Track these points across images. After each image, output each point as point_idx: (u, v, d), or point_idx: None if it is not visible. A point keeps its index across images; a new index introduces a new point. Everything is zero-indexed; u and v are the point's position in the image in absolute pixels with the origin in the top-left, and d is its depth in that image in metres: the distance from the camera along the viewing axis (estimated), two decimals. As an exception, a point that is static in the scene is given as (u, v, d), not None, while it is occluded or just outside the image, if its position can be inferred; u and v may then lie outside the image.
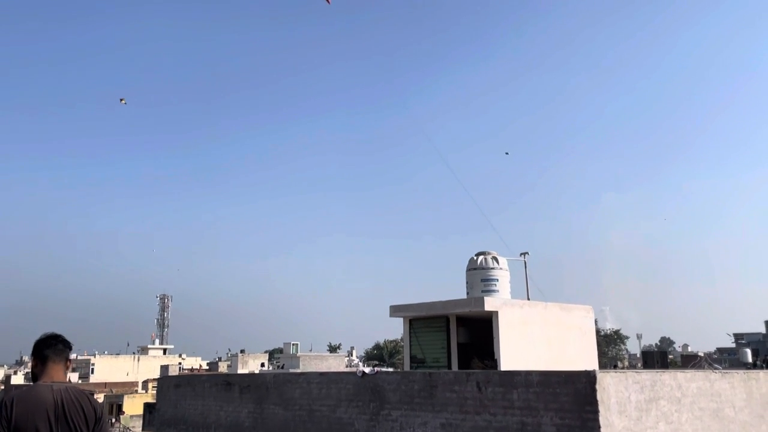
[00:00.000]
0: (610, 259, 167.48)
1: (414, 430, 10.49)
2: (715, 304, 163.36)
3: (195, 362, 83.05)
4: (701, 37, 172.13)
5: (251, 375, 16.95)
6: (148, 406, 18.46)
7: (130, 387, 65.42)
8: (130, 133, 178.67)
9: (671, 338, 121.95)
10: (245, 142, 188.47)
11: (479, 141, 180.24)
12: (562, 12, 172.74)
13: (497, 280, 15.83)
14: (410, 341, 15.53)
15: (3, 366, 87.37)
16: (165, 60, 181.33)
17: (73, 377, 73.69)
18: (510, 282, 16.32)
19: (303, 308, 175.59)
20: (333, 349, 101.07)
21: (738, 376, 10.76)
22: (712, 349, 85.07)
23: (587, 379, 8.44)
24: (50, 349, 4.30)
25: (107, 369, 77.72)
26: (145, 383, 62.48)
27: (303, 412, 12.58)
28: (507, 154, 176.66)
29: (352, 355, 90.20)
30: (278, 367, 53.67)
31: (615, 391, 8.48)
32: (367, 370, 11.99)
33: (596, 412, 8.24)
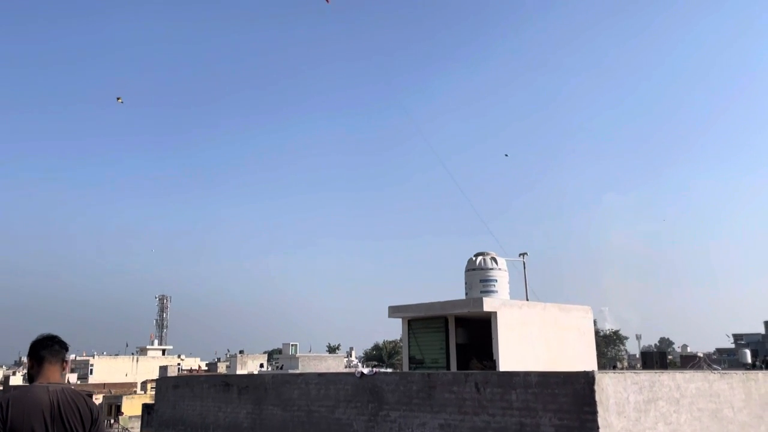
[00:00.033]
0: (610, 259, 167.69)
1: (412, 431, 10.47)
2: (714, 305, 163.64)
3: (194, 363, 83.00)
4: (702, 39, 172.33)
5: (250, 376, 16.93)
6: (146, 407, 18.42)
7: (128, 388, 65.37)
8: (129, 134, 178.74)
9: (670, 339, 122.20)
10: (245, 142, 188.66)
11: (479, 141, 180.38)
12: (562, 12, 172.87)
13: (496, 280, 15.81)
14: (409, 342, 15.52)
15: (2, 367, 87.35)
16: (165, 60, 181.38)
17: (72, 378, 73.65)
18: (509, 283, 16.30)
19: (302, 309, 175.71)
20: (332, 349, 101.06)
21: (737, 376, 10.75)
22: (712, 349, 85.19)
23: (586, 380, 8.43)
24: (46, 350, 4.28)
25: (106, 370, 77.67)
26: (143, 384, 62.46)
27: (301, 412, 12.56)
28: (507, 155, 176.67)
29: (351, 356, 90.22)
30: (277, 367, 53.63)
31: (614, 392, 8.47)
32: (365, 370, 11.97)
33: (595, 412, 8.23)
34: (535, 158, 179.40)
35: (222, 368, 73.89)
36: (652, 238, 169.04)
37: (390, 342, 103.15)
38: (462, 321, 14.83)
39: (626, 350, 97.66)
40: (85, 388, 61.88)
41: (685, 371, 11.22)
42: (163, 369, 58.77)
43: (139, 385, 65.46)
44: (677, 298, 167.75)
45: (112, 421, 50.89)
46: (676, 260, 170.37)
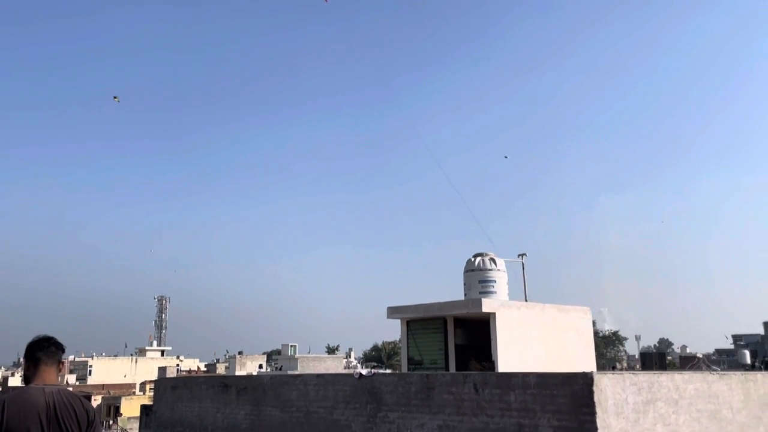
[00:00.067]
0: (609, 260, 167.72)
1: (411, 432, 10.46)
2: (713, 306, 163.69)
3: (193, 364, 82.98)
4: (699, 37, 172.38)
5: (248, 377, 16.92)
6: (144, 408, 18.39)
7: (127, 389, 65.35)
8: (128, 136, 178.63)
9: (670, 339, 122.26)
10: (244, 143, 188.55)
11: (478, 142, 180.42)
12: (560, 12, 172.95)
13: (495, 281, 15.80)
14: (408, 343, 15.50)
15: (0, 368, 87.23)
16: (164, 62, 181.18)
17: (71, 379, 73.60)
18: (508, 283, 16.29)
19: (301, 310, 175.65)
20: (331, 350, 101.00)
21: (736, 377, 10.74)
22: (711, 350, 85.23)
23: (584, 381, 8.42)
24: (42, 351, 4.28)
25: (105, 371, 77.63)
26: (142, 385, 62.46)
27: (300, 413, 12.55)
28: (506, 157, 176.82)
29: (350, 357, 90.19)
30: (276, 368, 53.60)
31: (612, 393, 8.46)
32: (364, 371, 11.96)
33: (593, 413, 8.22)
34: (533, 159, 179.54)
35: (221, 369, 73.84)
36: (652, 239, 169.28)
37: (389, 343, 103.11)
38: (461, 322, 14.82)
39: (625, 351, 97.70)
40: (83, 389, 61.86)
41: (683, 372, 11.21)
42: (162, 370, 58.74)
43: (138, 386, 65.48)
44: (677, 298, 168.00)
45: (111, 422, 50.87)
46: (675, 261, 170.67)
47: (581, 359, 15.01)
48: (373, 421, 11.10)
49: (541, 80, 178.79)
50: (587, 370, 9.19)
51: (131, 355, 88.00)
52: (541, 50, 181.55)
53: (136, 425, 38.10)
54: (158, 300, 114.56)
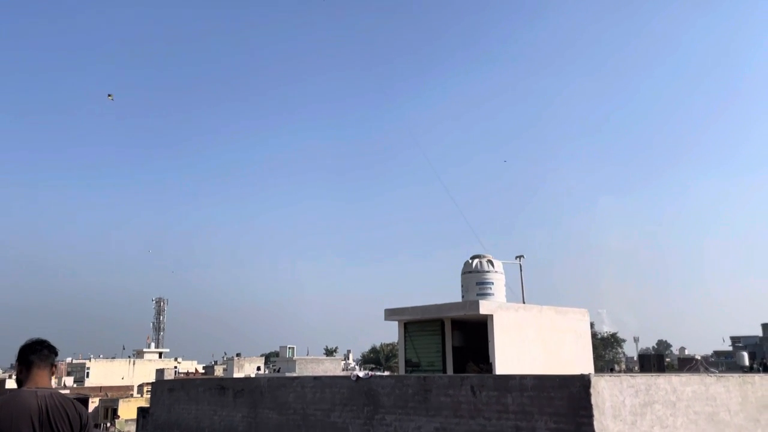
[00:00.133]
0: (608, 261, 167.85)
1: (408, 435, 10.43)
2: (712, 308, 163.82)
3: (191, 366, 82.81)
4: (699, 41, 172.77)
5: (245, 379, 16.88)
6: (141, 411, 18.33)
7: (125, 391, 65.18)
8: (127, 137, 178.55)
9: (668, 341, 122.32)
10: (243, 148, 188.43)
11: (477, 145, 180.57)
12: (560, 18, 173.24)
13: (492, 283, 15.78)
14: (405, 345, 15.48)
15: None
16: (164, 64, 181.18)
17: (69, 381, 73.49)
18: (505, 285, 16.28)
19: (300, 312, 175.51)
20: (329, 352, 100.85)
21: (733, 379, 10.73)
22: (710, 352, 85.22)
23: (581, 383, 8.40)
24: (35, 354, 4.26)
25: (102, 373, 77.47)
26: (140, 387, 62.34)
27: (297, 416, 12.51)
28: (505, 161, 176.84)
29: (348, 359, 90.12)
30: (274, 370, 53.58)
31: (609, 395, 8.44)
32: (361, 374, 11.94)
33: (591, 416, 8.20)
34: (532, 161, 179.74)
35: (219, 371, 73.74)
36: (650, 241, 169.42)
37: (387, 345, 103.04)
38: (458, 324, 14.80)
39: (624, 353, 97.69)
40: (81, 391, 61.74)
41: (681, 374, 11.20)
42: (160, 372, 58.62)
43: (135, 389, 65.34)
44: (675, 300, 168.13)
45: (108, 424, 50.79)
46: (674, 262, 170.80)
47: (579, 361, 14.99)
48: (371, 424, 11.07)
49: (542, 84, 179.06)
50: (585, 372, 9.17)
51: (129, 357, 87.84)
52: (540, 54, 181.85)
53: (133, 428, 38.00)
54: (156, 302, 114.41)
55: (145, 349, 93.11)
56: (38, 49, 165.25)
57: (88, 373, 78.41)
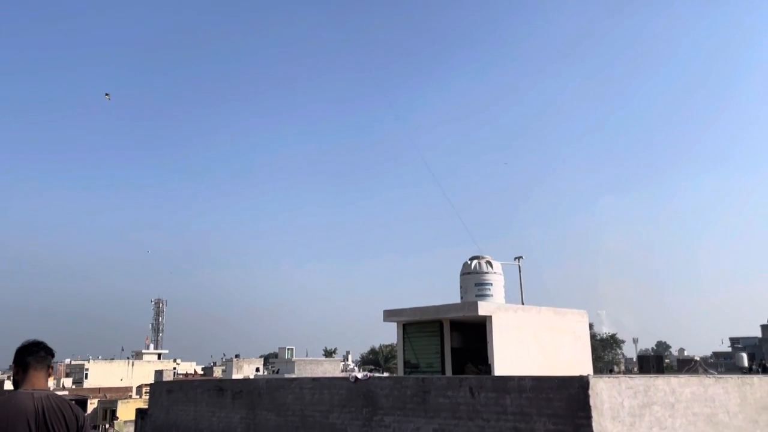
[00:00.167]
0: (607, 262, 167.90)
1: (407, 436, 10.41)
2: (712, 309, 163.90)
3: (190, 367, 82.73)
4: (697, 44, 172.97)
5: (244, 380, 16.87)
6: (140, 412, 18.31)
7: (124, 392, 65.12)
8: (126, 138, 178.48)
9: (667, 342, 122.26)
10: (242, 150, 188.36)
11: (478, 145, 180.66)
12: (559, 19, 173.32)
13: (491, 284, 15.78)
14: (404, 346, 15.46)
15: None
16: (164, 65, 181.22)
17: (67, 382, 73.39)
18: (504, 286, 16.27)
19: (299, 313, 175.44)
20: (328, 353, 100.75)
21: (732, 380, 10.72)
22: (709, 353, 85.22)
23: (580, 385, 8.39)
24: (32, 356, 4.24)
25: (101, 374, 77.37)
26: (139, 388, 62.25)
27: (296, 417, 12.50)
28: (506, 164, 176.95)
29: (347, 360, 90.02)
30: (273, 372, 53.52)
31: (608, 397, 8.43)
32: (359, 375, 11.93)
33: (589, 417, 8.19)
34: (531, 162, 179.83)
35: (218, 372, 73.69)
36: (649, 242, 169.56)
37: (387, 346, 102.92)
38: (457, 325, 14.79)
39: (623, 354, 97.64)
40: (80, 393, 61.68)
41: (679, 375, 11.19)
42: (159, 373, 58.59)
43: (134, 390, 65.26)
44: (674, 301, 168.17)
45: (107, 425, 50.72)
46: (673, 264, 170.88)
47: (578, 362, 14.98)
48: (369, 425, 11.06)
49: (541, 86, 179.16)
50: (583, 373, 9.17)
51: (128, 358, 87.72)
52: (540, 56, 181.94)
53: (131, 429, 37.99)
54: (155, 303, 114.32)
55: (143, 351, 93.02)
56: (38, 49, 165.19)
57: (86, 374, 78.30)
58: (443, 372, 14.25)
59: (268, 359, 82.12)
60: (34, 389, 4.12)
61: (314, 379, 12.88)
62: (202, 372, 78.92)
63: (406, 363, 15.31)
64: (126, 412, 47.78)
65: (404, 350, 15.43)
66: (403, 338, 15.42)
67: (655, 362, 37.00)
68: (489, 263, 16.09)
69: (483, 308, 13.85)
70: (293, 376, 34.22)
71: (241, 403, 13.90)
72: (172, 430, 15.82)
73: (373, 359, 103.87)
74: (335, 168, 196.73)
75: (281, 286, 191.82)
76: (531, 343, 14.43)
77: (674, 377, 10.10)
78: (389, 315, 15.58)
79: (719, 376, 11.35)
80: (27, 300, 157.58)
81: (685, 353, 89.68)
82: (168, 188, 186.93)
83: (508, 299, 16.20)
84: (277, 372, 49.67)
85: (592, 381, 8.35)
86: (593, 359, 16.86)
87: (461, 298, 16.03)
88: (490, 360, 13.66)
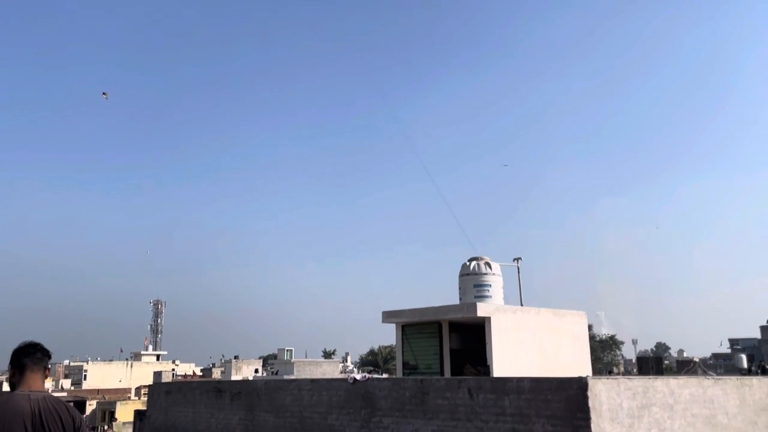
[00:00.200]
0: (607, 263, 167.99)
1: (405, 438, 10.40)
2: (711, 310, 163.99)
3: (188, 368, 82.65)
4: (697, 45, 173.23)
5: (242, 382, 16.85)
6: (138, 414, 18.29)
7: (123, 394, 65.03)
8: (125, 139, 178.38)
9: (667, 344, 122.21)
10: (240, 150, 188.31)
11: (477, 146, 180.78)
12: (557, 22, 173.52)
13: (490, 285, 15.76)
14: (403, 347, 15.44)
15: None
16: (163, 66, 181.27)
17: (66, 384, 73.31)
18: (503, 287, 16.26)
19: (298, 314, 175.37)
20: (327, 355, 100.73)
21: (731, 382, 10.72)
22: (708, 354, 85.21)
23: (579, 386, 8.38)
24: (28, 357, 4.23)
25: (100, 375, 77.25)
26: (138, 390, 62.16)
27: (294, 419, 12.48)
28: (506, 165, 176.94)
29: (346, 361, 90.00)
30: (272, 373, 53.48)
31: (607, 398, 8.43)
32: (358, 376, 11.92)
33: (588, 419, 8.18)
34: (530, 163, 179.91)
35: (217, 374, 73.59)
36: (648, 243, 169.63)
37: (386, 347, 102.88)
38: (456, 326, 14.77)
39: (622, 355, 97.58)
40: (78, 394, 61.61)
41: (678, 377, 11.18)
42: (157, 375, 58.49)
43: (133, 391, 65.16)
44: (674, 302, 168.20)
45: (106, 427, 50.66)
46: (672, 264, 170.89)
47: (577, 364, 14.97)
48: (368, 427, 11.04)
49: (540, 87, 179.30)
50: (582, 374, 9.16)
51: (127, 359, 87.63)
52: (539, 58, 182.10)
53: (130, 430, 37.95)
54: (154, 304, 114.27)
55: (142, 352, 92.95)
56: (38, 48, 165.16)
57: (85, 375, 78.20)
58: (442, 373, 14.23)
59: (267, 360, 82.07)
60: (31, 391, 4.11)
61: (313, 381, 12.87)
62: (201, 373, 78.85)
63: (404, 364, 15.29)
64: (125, 413, 47.75)
65: (403, 351, 15.41)
66: (402, 339, 15.40)
67: (655, 363, 36.93)
68: (488, 264, 16.09)
69: (482, 309, 13.83)
70: (292, 377, 34.21)
71: (240, 405, 13.88)
72: (170, 432, 15.80)
73: (372, 360, 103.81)
74: (335, 169, 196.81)
75: (280, 287, 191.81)
76: (530, 345, 14.42)
77: (673, 378, 10.10)
78: (388, 316, 15.56)
79: (718, 377, 11.35)
80: (25, 301, 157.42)
81: (685, 354, 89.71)
82: (167, 189, 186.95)
83: (507, 300, 16.19)
84: (276, 373, 49.62)
85: (591, 382, 8.35)
86: (592, 360, 16.85)
87: (460, 299, 16.02)
88: (488, 361, 13.64)
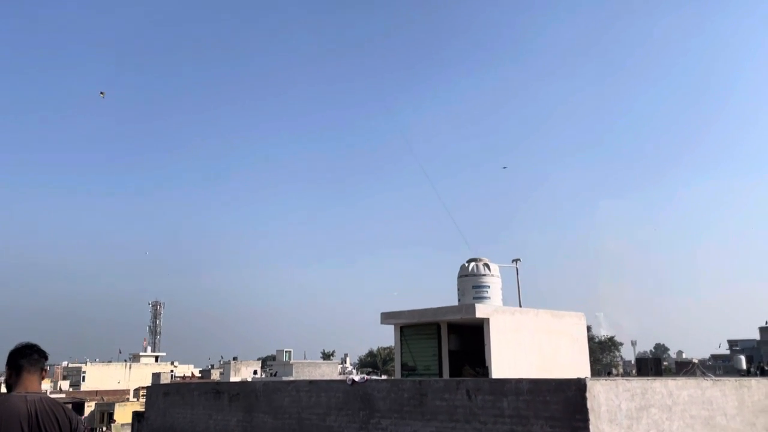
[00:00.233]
0: (606, 265, 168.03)
1: (404, 439, 10.39)
2: (710, 311, 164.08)
3: (187, 370, 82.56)
4: (700, 47, 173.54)
5: (240, 383, 16.84)
6: (136, 415, 18.26)
7: (121, 395, 65.01)
8: (125, 139, 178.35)
9: (666, 345, 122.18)
10: (240, 152, 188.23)
11: (477, 148, 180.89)
12: (561, 25, 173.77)
13: (489, 286, 15.78)
14: (401, 349, 15.44)
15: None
16: (163, 67, 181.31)
17: (64, 385, 73.23)
18: (502, 289, 16.27)
19: (297, 315, 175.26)
20: (326, 356, 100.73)
21: (730, 383, 10.72)
22: (707, 355, 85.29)
23: (577, 387, 8.38)
24: (25, 359, 4.22)
25: (99, 377, 77.15)
26: (136, 391, 62.14)
27: (292, 420, 12.47)
28: (505, 168, 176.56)
29: (345, 363, 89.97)
30: (271, 374, 53.46)
31: (605, 399, 8.42)
32: (356, 378, 11.90)
33: (586, 420, 8.18)
34: (529, 164, 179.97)
35: (215, 375, 73.54)
36: (648, 244, 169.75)
37: (385, 348, 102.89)
38: (455, 327, 14.77)
39: (621, 356, 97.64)
40: (77, 396, 61.55)
41: (677, 378, 11.19)
42: (156, 376, 58.46)
43: (132, 393, 65.15)
44: (673, 304, 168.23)
45: (105, 428, 50.61)
46: (671, 266, 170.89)
47: (575, 365, 14.97)
48: (366, 428, 11.03)
49: (541, 89, 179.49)
50: (581, 376, 9.16)
51: (125, 361, 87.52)
52: (540, 61, 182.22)
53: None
54: (153, 305, 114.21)
55: (141, 353, 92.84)
56: (37, 48, 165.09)
57: (84, 377, 78.10)
58: (441, 374, 14.23)
59: (266, 362, 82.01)
60: (27, 392, 4.10)
61: (311, 382, 12.86)
62: (199, 374, 78.77)
63: (403, 365, 15.28)
64: (123, 414, 47.71)
65: (402, 353, 15.40)
66: (401, 341, 15.39)
67: (654, 365, 36.90)
68: (486, 266, 16.09)
69: (480, 311, 13.83)
70: (291, 378, 34.20)
71: (238, 406, 13.87)
72: (168, 433, 15.77)
73: (371, 362, 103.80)
74: (334, 171, 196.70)
75: (280, 289, 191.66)
76: (528, 346, 14.42)
77: (672, 380, 10.10)
78: (387, 317, 15.56)
79: (716, 378, 11.35)
80: (24, 301, 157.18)
81: (684, 356, 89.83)
82: (167, 190, 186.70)
83: (506, 302, 16.21)
84: (275, 374, 49.63)
85: (590, 384, 8.35)
86: (591, 362, 16.86)
87: (459, 300, 16.03)
88: (487, 362, 13.64)
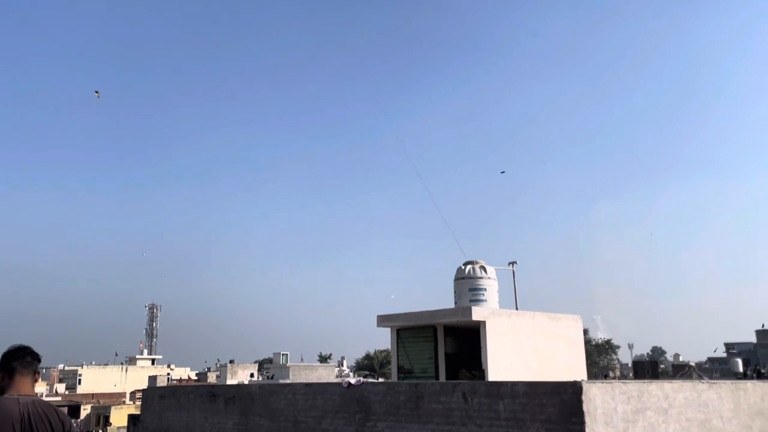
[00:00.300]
0: (602, 268, 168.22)
1: (400, 442, 10.37)
2: (707, 314, 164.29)
3: (183, 373, 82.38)
4: (692, 48, 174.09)
5: (236, 386, 16.79)
6: (132, 418, 18.19)
7: (117, 398, 64.82)
8: (120, 139, 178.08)
9: (663, 348, 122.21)
10: (237, 153, 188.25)
11: (472, 149, 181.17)
12: (552, 25, 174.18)
13: (485, 289, 15.75)
14: (397, 351, 15.41)
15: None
16: (160, 66, 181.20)
17: (60, 388, 73.01)
18: (498, 291, 16.25)
19: (294, 318, 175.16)
20: (323, 359, 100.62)
21: (726, 386, 10.73)
22: (704, 358, 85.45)
23: (573, 390, 8.38)
24: (18, 361, 4.22)
25: (95, 380, 77.01)
26: (132, 394, 61.98)
27: (288, 423, 12.44)
28: (503, 172, 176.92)
29: (342, 366, 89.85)
30: (267, 377, 53.30)
31: (601, 402, 8.42)
32: (353, 380, 11.88)
33: (582, 423, 8.18)
34: (526, 166, 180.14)
35: (212, 378, 73.36)
36: (645, 246, 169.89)
37: (381, 351, 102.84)
38: (451, 330, 14.75)
39: (618, 359, 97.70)
40: (73, 398, 61.36)
41: (673, 381, 11.19)
42: (152, 379, 58.35)
43: (128, 396, 64.96)
44: (670, 306, 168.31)
45: (100, 431, 50.45)
46: (668, 269, 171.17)
47: (572, 368, 14.95)
48: (362, 431, 11.01)
49: (536, 90, 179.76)
50: (577, 378, 9.16)
51: (121, 363, 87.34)
52: (534, 61, 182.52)
53: (125, 435, 37.75)
54: (149, 308, 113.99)
55: (137, 356, 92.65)
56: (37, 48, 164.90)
57: (80, 379, 77.95)
58: (437, 377, 14.21)
59: (262, 365, 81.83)
60: (20, 395, 4.09)
61: (307, 385, 12.84)
62: (196, 377, 78.57)
63: (399, 368, 15.25)
64: (119, 417, 47.56)
65: (398, 356, 15.37)
66: (397, 344, 15.36)
67: (650, 368, 37.01)
68: (483, 268, 16.08)
69: (477, 313, 13.81)
70: (287, 381, 34.10)
71: (234, 409, 13.83)
72: (164, 436, 15.72)
73: (368, 365, 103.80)
74: (330, 172, 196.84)
75: (276, 291, 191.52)
76: (525, 349, 14.40)
77: (668, 382, 10.11)
78: (383, 320, 15.53)
79: (712, 381, 11.36)
80: (19, 305, 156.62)
81: (680, 359, 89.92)
82: (163, 192, 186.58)
83: (502, 304, 16.17)
84: (272, 377, 49.46)
85: (586, 386, 8.34)
86: (588, 365, 16.84)
87: (455, 303, 16.00)
88: (483, 365, 13.62)
